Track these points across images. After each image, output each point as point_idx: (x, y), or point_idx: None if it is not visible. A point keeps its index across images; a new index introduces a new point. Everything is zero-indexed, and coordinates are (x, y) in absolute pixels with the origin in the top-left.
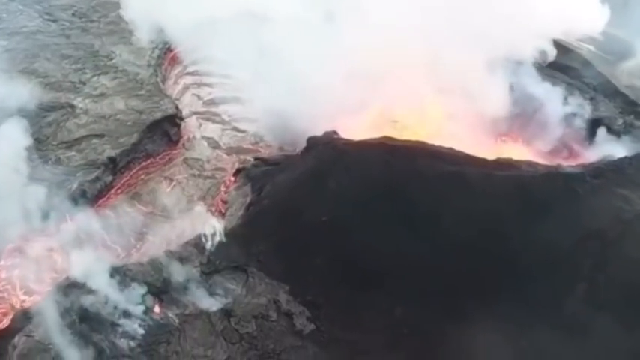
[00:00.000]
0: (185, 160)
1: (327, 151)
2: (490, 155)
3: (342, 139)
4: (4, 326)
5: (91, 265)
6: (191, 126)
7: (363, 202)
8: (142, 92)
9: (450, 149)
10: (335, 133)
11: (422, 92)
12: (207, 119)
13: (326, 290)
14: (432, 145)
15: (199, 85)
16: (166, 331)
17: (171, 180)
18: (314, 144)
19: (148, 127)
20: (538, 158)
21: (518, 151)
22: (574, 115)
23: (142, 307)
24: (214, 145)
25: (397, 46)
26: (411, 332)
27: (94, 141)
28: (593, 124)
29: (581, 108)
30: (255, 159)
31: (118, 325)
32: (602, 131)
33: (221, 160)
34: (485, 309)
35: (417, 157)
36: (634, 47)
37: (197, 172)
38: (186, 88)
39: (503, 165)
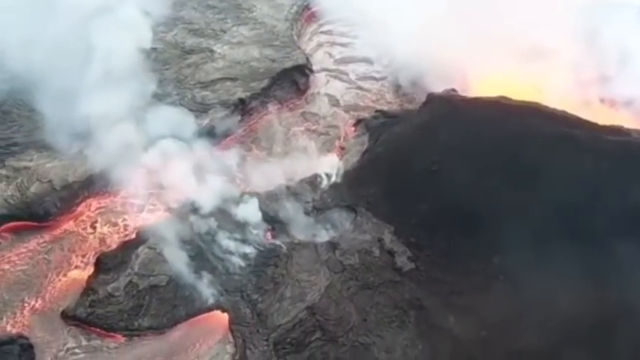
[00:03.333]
0: (303, 114)
1: (444, 105)
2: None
3: (460, 95)
4: (130, 238)
5: (212, 192)
6: (319, 82)
7: (472, 155)
8: (277, 43)
9: (563, 112)
10: (454, 90)
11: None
12: (335, 77)
13: (429, 234)
14: (546, 107)
15: (332, 44)
16: (275, 256)
17: (289, 129)
18: (432, 99)
19: (279, 75)
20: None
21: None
22: None
23: (255, 233)
24: (334, 102)
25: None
26: (506, 279)
27: (228, 83)
28: None
29: None
30: (376, 111)
31: (232, 245)
32: None
33: (337, 117)
34: (575, 263)
35: (530, 117)
36: None
37: (313, 127)
38: (319, 45)
39: (614, 130)
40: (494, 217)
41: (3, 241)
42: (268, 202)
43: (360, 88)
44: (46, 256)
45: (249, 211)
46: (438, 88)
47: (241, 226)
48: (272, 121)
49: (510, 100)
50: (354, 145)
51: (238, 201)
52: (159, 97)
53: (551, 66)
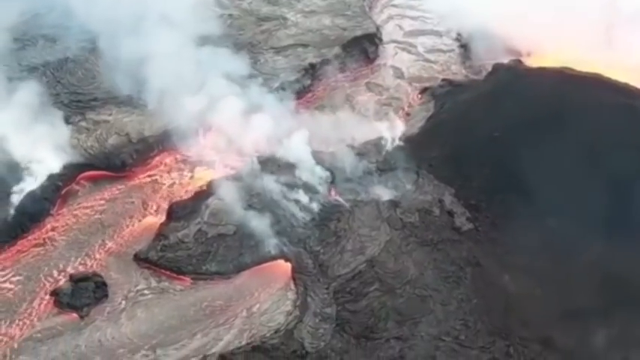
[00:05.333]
0: (368, 84)
1: (509, 75)
2: None
3: (525, 65)
4: (201, 190)
5: (280, 150)
6: (387, 53)
7: (534, 122)
8: (348, 13)
9: (626, 84)
10: (519, 61)
11: None
12: (404, 49)
13: (488, 197)
14: (609, 78)
15: (402, 16)
16: (338, 212)
17: (354, 97)
18: (498, 69)
19: (349, 42)
20: None
21: None
22: None
23: (320, 189)
24: (399, 75)
25: None
26: (561, 241)
27: (299, 49)
28: None
29: None
30: (442, 80)
31: (297, 200)
32: None
33: (400, 90)
34: (631, 228)
35: (592, 88)
36: None
37: (376, 97)
38: (390, 17)
39: None
40: (552, 183)
41: (81, 189)
42: (333, 160)
43: (426, 60)
44: (121, 203)
45: (315, 169)
46: (505, 59)
47: (306, 182)
48: (339, 88)
49: (574, 70)
50: (419, 111)
51: (304, 159)
52: (232, 61)
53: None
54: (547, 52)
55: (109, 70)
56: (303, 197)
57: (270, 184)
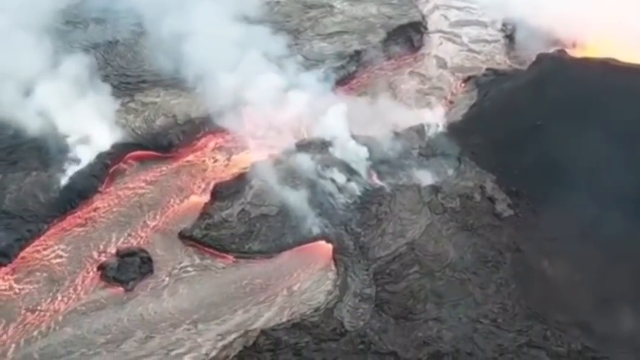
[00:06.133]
0: (411, 73)
1: (553, 64)
2: None
3: (569, 55)
4: (245, 171)
5: (324, 133)
6: (431, 42)
7: (576, 111)
8: (395, 1)
9: None
10: (563, 51)
11: None
12: (448, 39)
13: (529, 184)
14: None
15: (448, 7)
16: (379, 195)
17: (396, 86)
18: (542, 59)
19: (394, 30)
20: None
21: None
22: None
23: (362, 173)
24: (442, 64)
25: None
26: (601, 229)
27: (345, 36)
28: None
29: None
30: (487, 69)
31: (339, 183)
32: None
33: (442, 79)
34: None
35: (637, 78)
36: None
37: (418, 86)
38: (436, 7)
39: None
40: (593, 172)
41: (129, 168)
42: (376, 145)
43: (471, 50)
44: (167, 182)
45: (358, 153)
46: (549, 50)
47: (348, 165)
48: (382, 75)
49: (618, 61)
50: (462, 99)
51: (348, 143)
52: (277, 46)
53: None
54: (592, 43)
55: (157, 53)
56: (344, 180)
57: (313, 166)
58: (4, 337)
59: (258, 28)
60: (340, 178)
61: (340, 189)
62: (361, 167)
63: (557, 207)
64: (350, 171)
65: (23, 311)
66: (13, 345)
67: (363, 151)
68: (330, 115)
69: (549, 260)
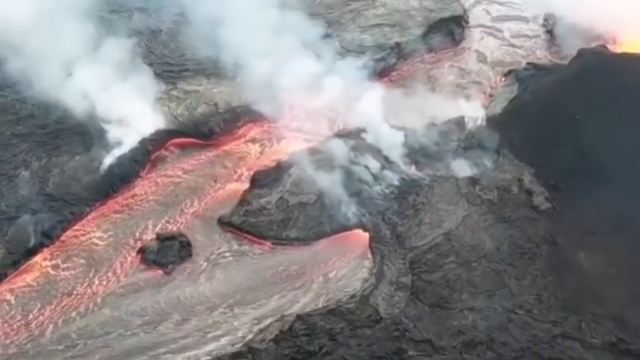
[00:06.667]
0: (450, 67)
1: (594, 59)
2: None
3: (610, 51)
4: (284, 160)
5: (363, 123)
6: (473, 37)
7: (616, 106)
8: None
9: None
10: (604, 47)
11: None
12: (490, 34)
13: (567, 178)
14: None
15: (490, 1)
16: (417, 186)
17: (436, 80)
18: (583, 54)
19: (435, 23)
20: None
21: None
22: None
23: (400, 163)
24: (482, 59)
25: None
26: (638, 224)
27: (386, 29)
28: None
29: None
30: (527, 63)
31: (377, 173)
32: None
33: (481, 74)
34: None
35: None
36: None
37: (457, 80)
38: (477, 2)
39: None
40: (631, 166)
41: (170, 155)
42: (415, 136)
43: (511, 45)
44: (207, 169)
45: (397, 143)
46: (590, 45)
47: (387, 156)
48: (422, 68)
49: None
50: (502, 93)
51: (387, 133)
52: (319, 38)
53: None
54: (632, 39)
55: (199, 42)
56: (383, 170)
57: (351, 156)
58: (42, 317)
59: (300, 18)
60: (378, 168)
61: (378, 179)
62: (399, 158)
63: (595, 201)
64: (388, 161)
65: (62, 292)
66: (51, 325)
67: (401, 142)
68: (369, 105)
69: (585, 253)
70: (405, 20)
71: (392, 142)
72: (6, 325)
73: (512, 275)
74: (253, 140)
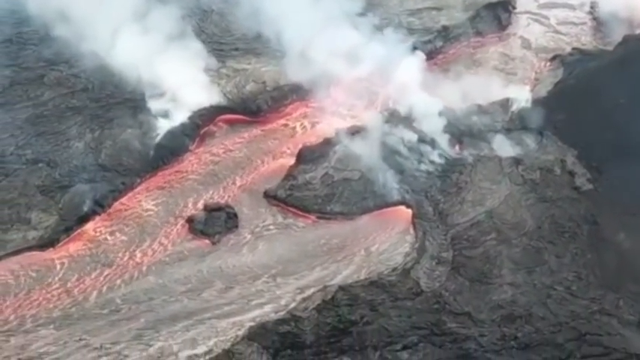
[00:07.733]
0: (496, 51)
1: (638, 45)
2: None
3: None
4: (330, 137)
5: (409, 103)
6: (519, 23)
7: None
8: None
9: None
10: None
11: None
12: (536, 20)
13: (610, 160)
14: None
15: None
16: (461, 165)
17: (480, 64)
18: (628, 39)
19: (483, 8)
20: None
21: None
22: None
23: (445, 143)
24: (526, 45)
25: None
26: None
27: (433, 12)
28: None
29: None
30: (573, 49)
31: (421, 151)
32: None
33: (525, 60)
34: None
35: None
36: None
37: (501, 66)
38: None
39: None
40: None
41: (218, 130)
42: (460, 116)
43: (557, 32)
44: (255, 145)
45: (441, 123)
46: (635, 31)
47: (431, 135)
48: (468, 52)
49: None
50: (547, 77)
51: (431, 113)
52: (366, 20)
53: None
54: None
55: (249, 23)
56: (427, 149)
57: (397, 135)
58: (84, 284)
59: (349, 2)
60: (422, 146)
61: (422, 157)
62: (444, 137)
63: (636, 183)
64: (432, 140)
65: (110, 259)
66: (95, 292)
67: (446, 122)
68: (415, 86)
69: (626, 233)
70: (453, 4)
71: (436, 122)
72: (51, 289)
73: (552, 253)
74: (300, 118)
